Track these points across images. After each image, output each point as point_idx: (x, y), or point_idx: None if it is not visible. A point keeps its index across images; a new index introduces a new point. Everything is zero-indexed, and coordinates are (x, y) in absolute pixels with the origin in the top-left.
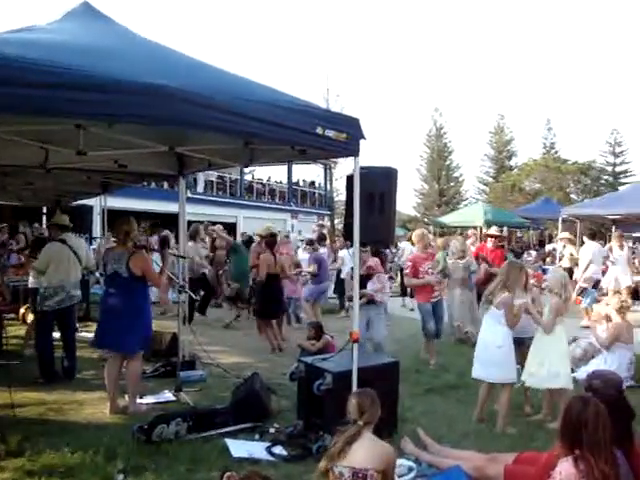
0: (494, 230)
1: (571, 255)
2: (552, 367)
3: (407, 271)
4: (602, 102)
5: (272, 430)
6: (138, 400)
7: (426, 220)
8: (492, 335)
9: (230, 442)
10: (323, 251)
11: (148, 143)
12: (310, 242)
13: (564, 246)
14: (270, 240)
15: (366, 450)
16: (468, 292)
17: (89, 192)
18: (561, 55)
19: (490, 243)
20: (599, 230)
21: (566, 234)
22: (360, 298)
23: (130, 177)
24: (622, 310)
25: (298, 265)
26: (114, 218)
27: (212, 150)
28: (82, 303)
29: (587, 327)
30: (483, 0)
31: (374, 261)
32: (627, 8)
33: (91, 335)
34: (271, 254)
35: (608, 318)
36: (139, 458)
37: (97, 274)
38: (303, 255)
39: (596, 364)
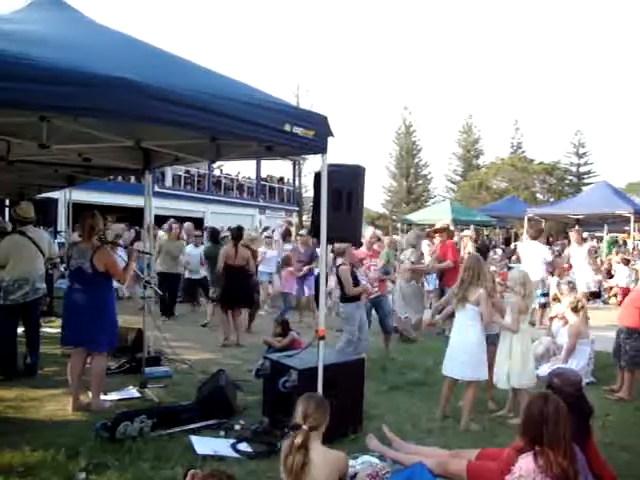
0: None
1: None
2: (516, 366)
3: None
4: (567, 104)
5: (237, 427)
6: (102, 397)
7: (394, 217)
8: (467, 333)
9: (195, 439)
10: (289, 247)
11: (113, 137)
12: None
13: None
14: (236, 234)
15: (317, 461)
16: (415, 284)
17: (54, 185)
18: (529, 57)
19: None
20: (563, 230)
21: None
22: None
23: (95, 171)
24: (576, 309)
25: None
26: (80, 212)
27: (179, 145)
28: (46, 297)
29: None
30: (450, 3)
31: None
32: (593, 13)
33: (54, 330)
34: (233, 247)
35: (565, 318)
36: (102, 456)
37: (62, 268)
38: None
39: (559, 363)
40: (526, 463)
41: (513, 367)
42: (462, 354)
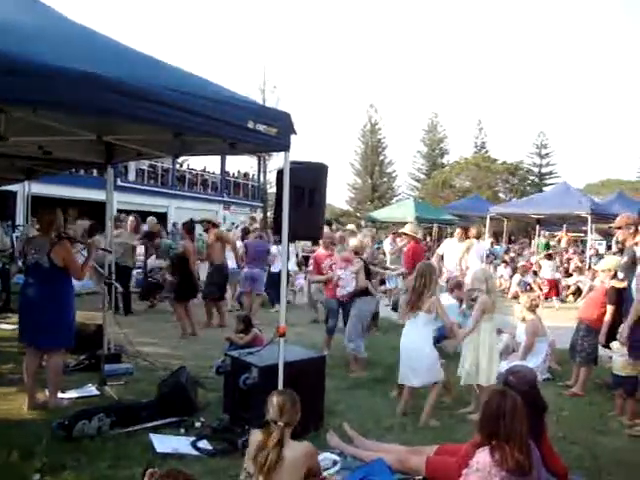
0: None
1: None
2: (481, 364)
3: (310, 268)
4: (530, 106)
5: (198, 424)
6: (59, 395)
7: (358, 214)
8: (421, 341)
9: (155, 437)
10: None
11: (75, 130)
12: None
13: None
14: (189, 227)
15: (288, 459)
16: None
17: (12, 178)
18: (493, 57)
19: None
20: (525, 229)
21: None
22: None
23: (56, 164)
24: (532, 307)
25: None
26: (39, 205)
27: (141, 140)
28: (2, 293)
29: None
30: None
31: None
32: (557, 16)
33: (11, 327)
34: (190, 241)
35: (523, 317)
36: (58, 456)
37: (19, 263)
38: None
39: (517, 361)
40: (482, 457)
41: (477, 364)
42: (418, 362)
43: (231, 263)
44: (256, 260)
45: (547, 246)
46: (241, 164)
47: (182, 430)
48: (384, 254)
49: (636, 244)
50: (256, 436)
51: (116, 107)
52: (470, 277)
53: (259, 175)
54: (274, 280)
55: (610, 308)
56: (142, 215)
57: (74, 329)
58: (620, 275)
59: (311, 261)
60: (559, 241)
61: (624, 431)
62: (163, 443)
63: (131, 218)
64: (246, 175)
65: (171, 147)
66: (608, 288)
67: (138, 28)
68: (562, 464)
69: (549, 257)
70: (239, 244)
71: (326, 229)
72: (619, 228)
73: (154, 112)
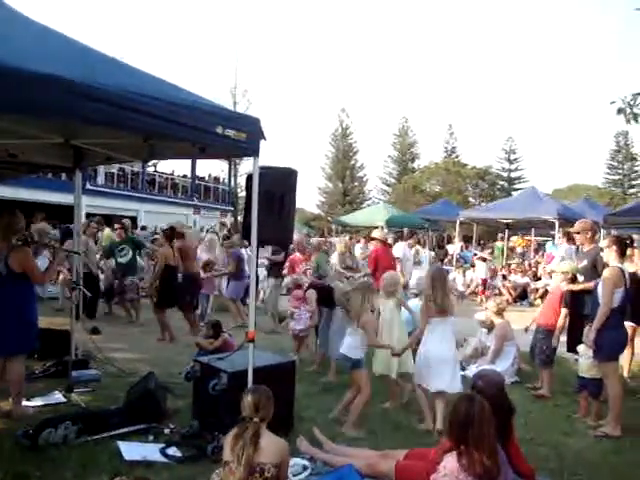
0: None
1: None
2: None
3: (286, 271)
4: (499, 111)
5: (167, 431)
6: (24, 402)
7: (329, 219)
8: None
9: (122, 445)
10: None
11: (41, 134)
12: (226, 237)
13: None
14: (169, 233)
15: (264, 445)
16: None
17: None
18: (464, 62)
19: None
20: (495, 233)
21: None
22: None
23: (23, 167)
24: (500, 311)
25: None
26: (4, 208)
27: (110, 144)
28: None
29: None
30: (390, 4)
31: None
32: (526, 23)
33: None
34: (169, 247)
35: (490, 322)
36: (22, 466)
37: None
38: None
39: (485, 364)
40: (450, 462)
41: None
42: (447, 368)
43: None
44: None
45: (502, 250)
46: (212, 168)
47: (151, 437)
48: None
49: (601, 249)
50: (234, 431)
51: (83, 111)
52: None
53: (230, 179)
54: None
55: (564, 311)
56: (111, 219)
57: (35, 333)
58: (580, 279)
59: (287, 264)
60: (518, 246)
61: (589, 432)
62: (131, 450)
63: (92, 224)
64: (217, 179)
65: (140, 151)
66: (564, 292)
67: (106, 31)
68: (529, 465)
69: (483, 260)
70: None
71: (297, 236)
72: (577, 233)
73: (122, 117)
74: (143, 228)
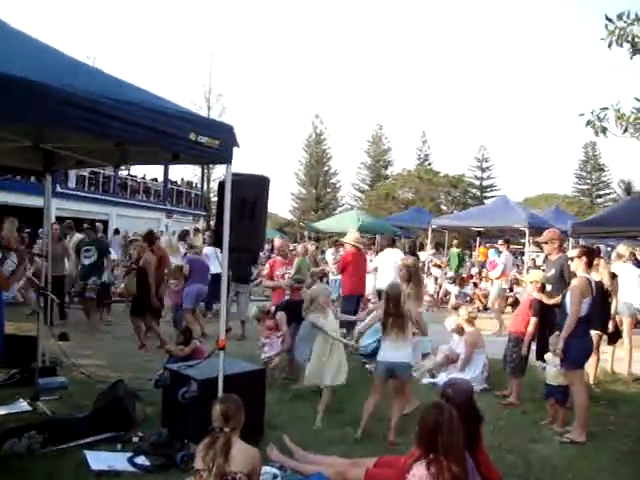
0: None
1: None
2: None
3: (265, 273)
4: (472, 119)
5: (135, 439)
6: None
7: (302, 224)
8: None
9: (89, 454)
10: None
11: (10, 136)
12: (191, 247)
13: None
14: (150, 239)
15: (235, 454)
16: None
17: None
18: (437, 71)
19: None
20: (466, 241)
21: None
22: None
23: None
24: (470, 319)
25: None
26: None
27: (81, 149)
28: None
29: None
30: (365, 11)
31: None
32: (499, 35)
33: None
34: (152, 253)
35: (460, 329)
36: None
37: None
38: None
39: (455, 372)
40: (420, 470)
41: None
42: None
43: None
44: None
45: (460, 256)
46: (185, 172)
47: (119, 446)
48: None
49: (571, 259)
50: (203, 441)
51: (54, 116)
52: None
53: (202, 184)
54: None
55: (533, 320)
56: (83, 222)
57: (1, 339)
58: (548, 287)
59: (267, 266)
60: (470, 254)
61: (555, 438)
62: (98, 460)
63: (55, 226)
64: (189, 183)
65: (112, 156)
66: (532, 300)
67: (79, 34)
68: (497, 472)
69: (438, 266)
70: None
71: (279, 241)
72: (545, 243)
73: (93, 122)
74: (117, 232)
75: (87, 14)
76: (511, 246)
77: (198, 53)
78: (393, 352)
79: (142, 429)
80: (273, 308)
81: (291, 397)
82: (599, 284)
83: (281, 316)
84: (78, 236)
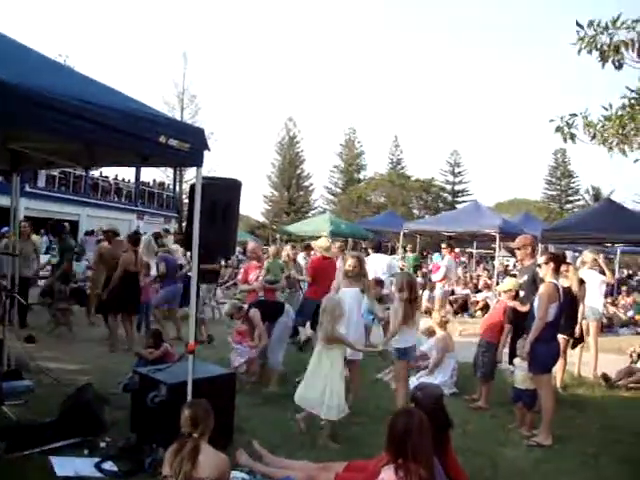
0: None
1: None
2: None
3: (240, 277)
4: (445, 124)
5: (103, 444)
6: None
7: (274, 227)
8: None
9: (55, 460)
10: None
11: None
12: (163, 244)
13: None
14: (134, 238)
15: (203, 460)
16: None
17: None
18: (411, 75)
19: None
20: (438, 245)
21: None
22: None
23: None
24: (443, 323)
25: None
26: None
27: (50, 149)
28: None
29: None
30: (338, 15)
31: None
32: (471, 41)
33: None
34: (132, 252)
35: (431, 332)
36: None
37: None
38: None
39: (425, 375)
40: (388, 475)
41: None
42: None
43: None
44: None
45: (416, 260)
46: (157, 173)
47: (86, 451)
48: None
49: (539, 265)
50: (172, 446)
51: (21, 116)
52: None
53: (175, 185)
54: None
55: (507, 327)
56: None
57: None
58: (521, 293)
59: (241, 270)
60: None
61: (522, 441)
62: (64, 466)
63: (24, 224)
64: (161, 185)
65: (82, 158)
66: (506, 307)
67: (49, 31)
68: (465, 475)
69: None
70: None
71: (252, 244)
72: (518, 249)
73: (61, 123)
74: (88, 233)
75: (59, 10)
76: (455, 250)
77: (172, 53)
78: (414, 337)
79: (110, 434)
80: (246, 306)
81: (261, 401)
82: (567, 290)
83: (254, 313)
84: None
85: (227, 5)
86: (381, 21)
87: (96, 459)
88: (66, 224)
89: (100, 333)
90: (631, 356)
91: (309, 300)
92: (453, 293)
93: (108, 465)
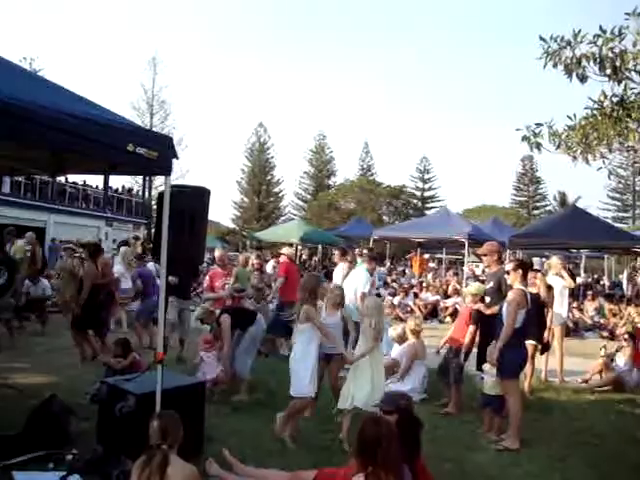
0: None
1: None
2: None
3: (205, 285)
4: (414, 131)
5: (69, 457)
6: None
7: (244, 234)
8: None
9: (18, 475)
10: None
11: None
12: (139, 257)
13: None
14: (94, 250)
15: (172, 473)
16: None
17: None
18: (381, 82)
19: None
20: (408, 251)
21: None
22: None
23: None
24: (416, 331)
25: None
26: None
27: (15, 156)
28: None
29: None
30: (308, 20)
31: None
32: (441, 44)
33: None
34: (94, 264)
35: (403, 339)
36: None
37: None
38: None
39: (395, 382)
40: None
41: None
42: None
43: None
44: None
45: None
46: (126, 179)
47: (51, 465)
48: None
49: (507, 272)
50: (140, 459)
51: None
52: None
53: (144, 191)
54: None
55: (471, 328)
56: (18, 230)
57: None
58: (487, 299)
59: (206, 278)
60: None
61: (491, 446)
62: None
63: None
64: (130, 191)
65: (48, 165)
66: (471, 310)
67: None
68: None
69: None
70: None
71: (219, 251)
72: (485, 255)
73: (27, 131)
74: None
75: (25, 12)
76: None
77: (142, 58)
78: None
79: (76, 446)
80: (218, 311)
81: (230, 410)
82: (536, 296)
83: (225, 319)
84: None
85: (197, 9)
86: (350, 27)
87: (62, 473)
88: (12, 228)
89: (67, 343)
90: (603, 356)
91: (287, 304)
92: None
93: (74, 479)
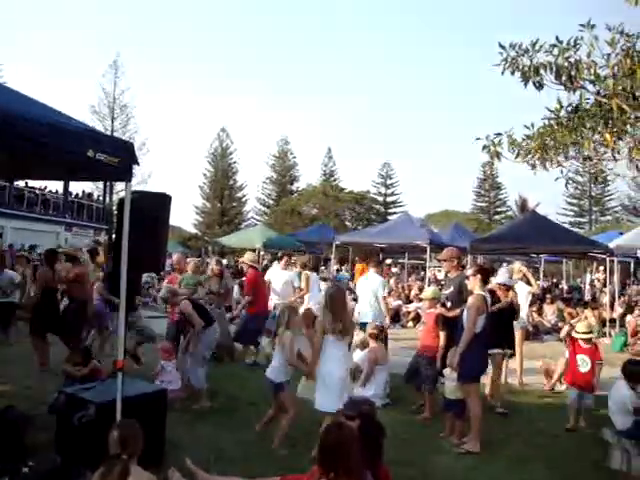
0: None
1: None
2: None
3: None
4: (377, 136)
5: (25, 469)
6: None
7: (206, 239)
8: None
9: None
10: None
11: None
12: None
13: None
14: (50, 255)
15: None
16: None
17: None
18: (343, 87)
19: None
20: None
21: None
22: None
23: None
24: (375, 336)
25: None
26: None
27: None
28: None
29: None
30: (273, 26)
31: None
32: (405, 51)
33: None
34: (50, 269)
35: (365, 344)
36: None
37: None
38: None
39: (357, 387)
40: None
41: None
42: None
43: None
44: None
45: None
46: (86, 184)
47: (6, 478)
48: None
49: (467, 278)
50: (99, 470)
51: None
52: None
53: (104, 196)
54: None
55: (444, 334)
56: None
57: None
58: (448, 304)
59: (165, 283)
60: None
61: (453, 450)
62: None
63: None
64: (90, 196)
65: (5, 169)
66: (437, 315)
67: None
68: None
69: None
70: None
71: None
72: (445, 261)
73: None
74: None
75: None
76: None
77: (103, 61)
78: None
79: (33, 458)
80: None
81: (192, 417)
82: (510, 304)
83: (186, 304)
84: None
85: (158, 11)
86: (315, 29)
87: None
88: None
89: (25, 351)
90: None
91: (254, 315)
92: None
93: None
